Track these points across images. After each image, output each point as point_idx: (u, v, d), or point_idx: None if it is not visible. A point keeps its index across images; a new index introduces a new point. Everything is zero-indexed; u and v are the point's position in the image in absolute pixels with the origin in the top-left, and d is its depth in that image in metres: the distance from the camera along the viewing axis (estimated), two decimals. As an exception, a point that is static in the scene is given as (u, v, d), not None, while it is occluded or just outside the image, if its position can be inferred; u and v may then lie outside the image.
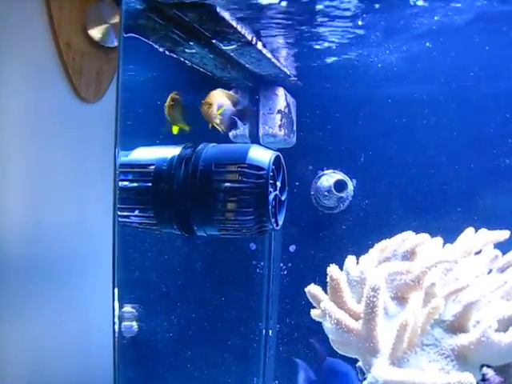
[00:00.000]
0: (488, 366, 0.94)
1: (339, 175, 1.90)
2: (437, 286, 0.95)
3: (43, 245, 1.03)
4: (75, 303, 1.11)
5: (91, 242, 1.16)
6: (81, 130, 1.11)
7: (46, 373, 1.03)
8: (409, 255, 1.03)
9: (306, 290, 0.98)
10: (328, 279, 0.96)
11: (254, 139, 1.79)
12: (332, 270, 0.96)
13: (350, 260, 1.03)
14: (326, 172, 1.94)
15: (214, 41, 1.35)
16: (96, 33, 1.09)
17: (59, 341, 1.06)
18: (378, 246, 1.07)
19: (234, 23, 1.24)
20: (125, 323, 2.01)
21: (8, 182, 0.94)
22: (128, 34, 1.21)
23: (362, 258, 1.05)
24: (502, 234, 1.06)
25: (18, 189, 0.96)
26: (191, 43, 1.34)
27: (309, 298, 0.99)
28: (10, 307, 0.95)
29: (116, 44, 1.10)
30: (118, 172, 1.09)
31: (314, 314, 1.01)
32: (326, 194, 1.88)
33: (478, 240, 1.06)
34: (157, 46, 1.36)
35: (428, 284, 0.93)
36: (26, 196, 0.98)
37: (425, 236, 1.07)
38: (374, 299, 0.88)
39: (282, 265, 2.00)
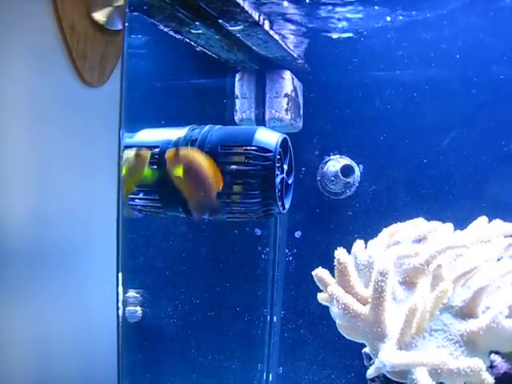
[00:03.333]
0: (496, 353, 0.93)
1: (346, 160, 1.88)
2: (445, 270, 0.93)
3: (47, 229, 1.02)
4: (79, 288, 1.11)
5: (96, 226, 1.15)
6: (85, 114, 1.10)
7: (50, 358, 1.03)
8: (419, 241, 1.02)
9: (313, 273, 0.97)
10: (335, 263, 0.95)
11: (260, 123, 1.77)
12: (340, 253, 0.95)
13: (358, 244, 1.02)
14: (332, 157, 1.92)
15: (220, 21, 1.32)
16: (100, 16, 1.07)
17: (62, 327, 1.06)
18: (388, 231, 1.05)
19: (241, 2, 1.22)
20: (129, 308, 2.01)
21: (11, 166, 0.93)
22: (133, 13, 1.19)
23: (370, 242, 1.03)
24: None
25: (22, 173, 0.96)
26: (197, 23, 1.31)
27: (316, 281, 0.98)
28: (14, 292, 0.95)
29: (121, 27, 1.09)
30: (122, 155, 1.07)
31: (321, 297, 1.00)
32: (332, 179, 1.86)
33: (490, 231, 1.05)
34: (162, 26, 1.33)
35: (435, 266, 0.92)
36: (29, 181, 0.97)
37: (437, 223, 1.05)
38: (383, 284, 0.87)
39: (287, 251, 1.99)
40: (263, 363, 2.03)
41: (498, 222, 1.07)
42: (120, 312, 1.05)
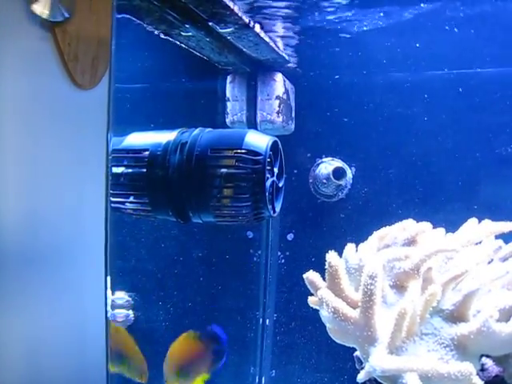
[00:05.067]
0: (487, 356, 0.93)
1: (338, 163, 1.88)
2: (436, 274, 0.93)
3: (37, 233, 1.01)
4: (71, 292, 1.10)
5: (87, 230, 1.14)
6: (76, 116, 1.09)
7: (41, 362, 1.02)
8: (409, 243, 1.01)
9: (304, 276, 0.96)
10: (326, 266, 0.95)
11: (252, 125, 1.76)
12: (331, 256, 0.94)
13: (350, 247, 1.01)
14: (324, 159, 1.91)
15: (210, 23, 1.32)
16: (41, 8, 1.02)
17: (54, 330, 1.05)
18: (378, 234, 1.05)
19: (231, 4, 1.21)
20: (121, 312, 2.00)
21: (0, 169, 0.92)
22: (121, 15, 1.18)
23: (361, 245, 1.03)
24: (506, 226, 1.04)
25: (11, 177, 0.95)
26: (187, 26, 1.31)
27: (306, 284, 0.97)
28: (4, 296, 0.94)
29: (67, 16, 1.06)
30: (110, 158, 1.07)
31: (312, 301, 0.99)
32: (324, 181, 1.86)
33: (480, 231, 1.04)
34: (152, 29, 1.33)
35: (425, 269, 0.91)
36: (19, 184, 0.96)
37: (426, 224, 1.05)
38: (372, 287, 0.87)
39: (279, 253, 1.98)
40: (256, 366, 2.02)
41: (487, 223, 1.07)
42: (109, 315, 1.05)
